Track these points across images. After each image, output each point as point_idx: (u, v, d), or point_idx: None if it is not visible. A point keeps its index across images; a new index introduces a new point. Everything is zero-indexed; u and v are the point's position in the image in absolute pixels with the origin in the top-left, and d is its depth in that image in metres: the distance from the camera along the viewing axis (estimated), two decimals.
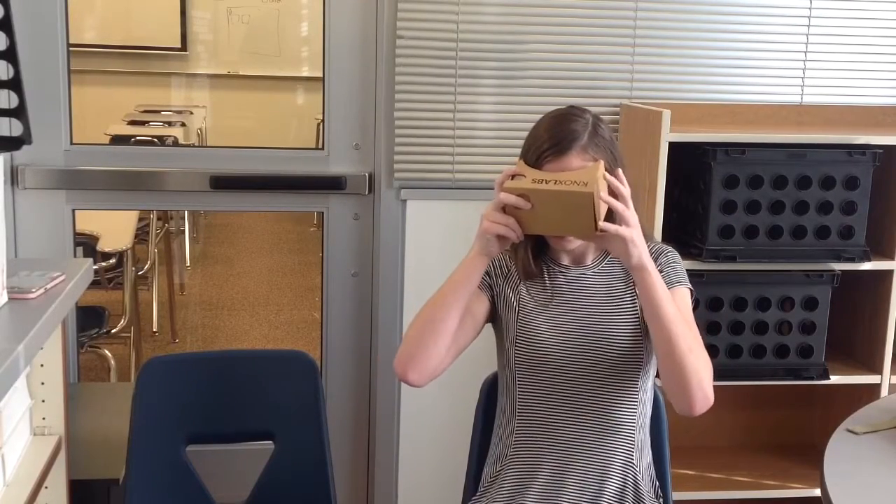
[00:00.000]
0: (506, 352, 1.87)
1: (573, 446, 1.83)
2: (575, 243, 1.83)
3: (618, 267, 1.87)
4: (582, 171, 1.69)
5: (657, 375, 1.83)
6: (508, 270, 1.88)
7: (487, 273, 1.86)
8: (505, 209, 1.68)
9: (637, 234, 1.67)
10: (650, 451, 1.92)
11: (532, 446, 1.85)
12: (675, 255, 1.89)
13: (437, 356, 1.75)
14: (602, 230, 1.65)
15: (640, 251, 1.68)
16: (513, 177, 1.69)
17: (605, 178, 1.66)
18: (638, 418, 1.86)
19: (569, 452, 1.83)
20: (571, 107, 1.83)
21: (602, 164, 1.70)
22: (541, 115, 1.83)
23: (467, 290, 1.75)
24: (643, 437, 1.89)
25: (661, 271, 1.79)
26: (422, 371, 1.75)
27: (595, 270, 1.87)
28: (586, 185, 1.62)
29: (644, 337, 1.83)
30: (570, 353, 1.82)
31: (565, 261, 1.88)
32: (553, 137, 1.74)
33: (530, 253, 1.85)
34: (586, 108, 1.83)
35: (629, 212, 1.67)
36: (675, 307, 1.73)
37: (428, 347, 1.74)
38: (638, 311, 1.83)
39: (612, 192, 1.67)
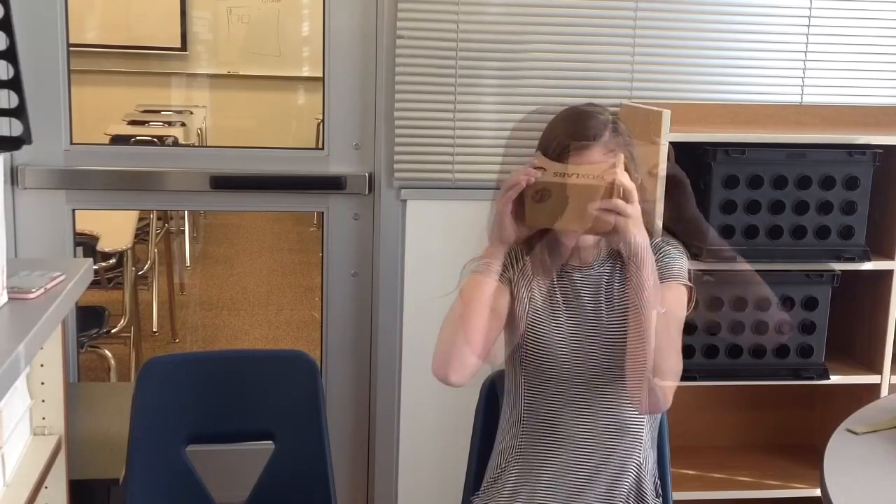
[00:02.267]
0: (513, 348, 1.87)
1: (581, 444, 1.83)
2: (587, 240, 1.83)
3: (621, 266, 1.87)
4: (602, 165, 1.73)
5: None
6: (522, 264, 1.87)
7: (505, 266, 1.84)
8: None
9: (634, 224, 1.69)
10: (655, 450, 1.92)
11: (539, 443, 1.85)
12: (676, 250, 1.88)
13: (475, 353, 1.78)
14: (600, 211, 1.68)
15: (639, 243, 1.70)
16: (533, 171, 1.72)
17: (621, 174, 1.70)
18: (646, 417, 1.86)
19: (576, 450, 1.83)
20: (590, 103, 1.85)
21: (623, 157, 1.74)
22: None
23: (490, 285, 1.78)
24: (651, 435, 1.89)
25: (656, 263, 1.81)
26: (462, 371, 1.77)
27: (600, 270, 1.87)
28: (602, 178, 1.68)
29: None
30: (577, 352, 1.82)
31: (572, 261, 1.87)
32: (577, 132, 1.77)
33: (545, 249, 1.85)
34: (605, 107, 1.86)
35: (630, 206, 1.68)
36: (664, 306, 1.73)
37: (463, 349, 1.76)
38: None
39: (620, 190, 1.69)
